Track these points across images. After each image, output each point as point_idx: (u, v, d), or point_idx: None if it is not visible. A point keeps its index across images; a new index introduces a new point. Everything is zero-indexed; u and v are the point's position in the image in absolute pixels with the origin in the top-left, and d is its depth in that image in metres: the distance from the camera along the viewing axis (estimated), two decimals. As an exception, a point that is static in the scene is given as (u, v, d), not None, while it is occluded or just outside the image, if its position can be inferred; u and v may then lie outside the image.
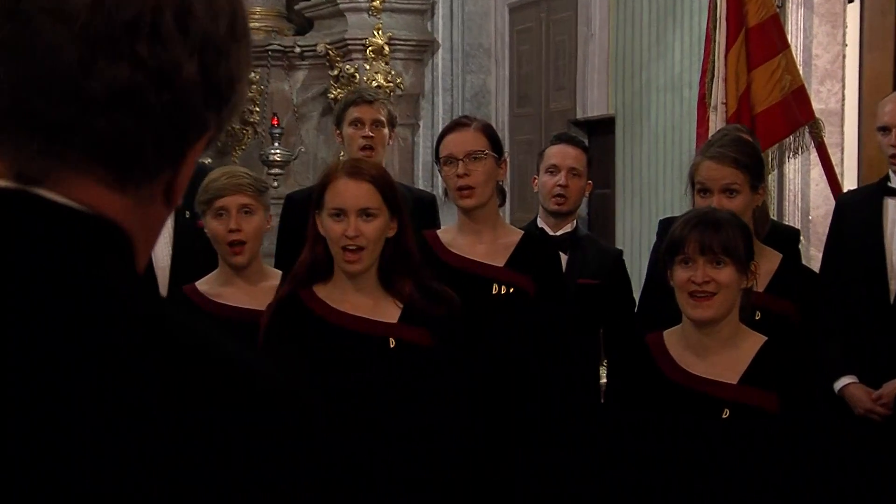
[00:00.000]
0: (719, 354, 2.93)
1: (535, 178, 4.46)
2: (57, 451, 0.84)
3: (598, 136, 7.83)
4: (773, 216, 5.81)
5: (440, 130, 3.75)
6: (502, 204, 3.71)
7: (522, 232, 3.67)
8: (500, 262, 3.54)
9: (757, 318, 3.34)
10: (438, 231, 3.68)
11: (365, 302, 3.05)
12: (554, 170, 4.34)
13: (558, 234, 4.32)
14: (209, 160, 8.61)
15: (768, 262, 3.53)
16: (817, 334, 3.70)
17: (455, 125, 3.63)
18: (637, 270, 6.60)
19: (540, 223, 4.37)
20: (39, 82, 0.92)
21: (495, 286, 3.51)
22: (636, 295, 4.19)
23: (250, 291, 3.51)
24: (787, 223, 5.66)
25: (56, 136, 0.93)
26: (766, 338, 2.97)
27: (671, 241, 2.95)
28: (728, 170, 3.48)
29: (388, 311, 3.05)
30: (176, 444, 0.86)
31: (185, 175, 1.00)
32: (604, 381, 4.53)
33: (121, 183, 0.96)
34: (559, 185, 4.30)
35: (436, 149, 3.63)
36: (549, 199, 4.32)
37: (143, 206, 0.98)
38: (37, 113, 0.93)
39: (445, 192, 3.68)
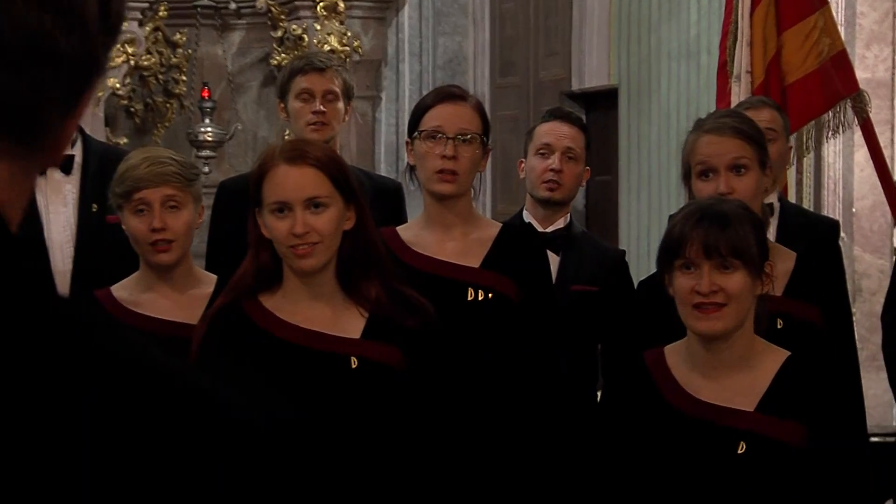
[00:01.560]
0: (732, 376, 2.93)
1: (521, 162, 4.45)
2: None
3: (598, 111, 7.85)
4: (810, 207, 5.85)
5: (408, 103, 3.74)
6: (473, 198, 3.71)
7: (501, 225, 3.67)
8: (474, 262, 3.54)
9: (780, 326, 3.36)
10: (398, 228, 3.67)
11: (322, 312, 3.05)
12: (546, 150, 4.34)
13: (549, 230, 4.33)
14: (125, 140, 8.59)
15: (783, 261, 3.55)
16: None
17: (447, 95, 3.62)
18: (645, 274, 6.62)
19: (527, 216, 4.37)
20: None
21: (470, 291, 3.52)
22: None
23: (178, 300, 3.51)
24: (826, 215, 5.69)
25: None
26: (788, 353, 2.97)
27: (669, 241, 2.93)
28: (734, 142, 3.49)
29: (350, 324, 3.05)
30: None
31: (73, 129, 1.02)
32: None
33: (16, 150, 0.97)
34: (551, 170, 4.30)
35: (414, 119, 3.62)
36: (538, 185, 4.32)
37: (24, 172, 0.99)
38: None
39: (411, 173, 3.66)
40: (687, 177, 3.57)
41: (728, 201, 3.04)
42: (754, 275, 2.90)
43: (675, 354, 2.99)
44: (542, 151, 4.34)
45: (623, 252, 4.63)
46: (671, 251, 2.91)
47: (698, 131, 3.53)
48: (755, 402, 2.90)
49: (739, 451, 2.86)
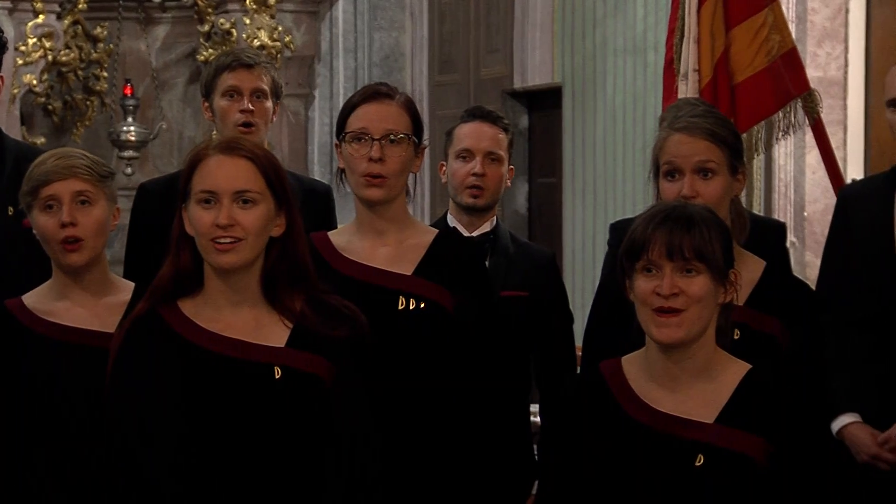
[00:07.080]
0: (692, 387, 2.96)
1: (442, 165, 4.47)
2: None
3: (541, 110, 7.88)
4: (760, 211, 5.89)
5: (342, 101, 3.74)
6: (408, 200, 3.72)
7: (437, 231, 3.68)
8: (407, 270, 3.55)
9: (736, 336, 3.38)
10: (330, 232, 3.68)
11: (244, 320, 3.05)
12: (467, 155, 4.37)
13: (475, 234, 4.36)
14: (42, 140, 8.54)
15: (750, 270, 3.58)
16: (816, 362, 3.75)
17: (374, 94, 3.61)
18: (590, 281, 6.65)
19: (451, 221, 4.39)
20: None
21: (402, 300, 3.53)
22: (575, 309, 4.21)
23: (93, 308, 3.49)
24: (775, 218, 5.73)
25: None
26: (749, 366, 3.00)
27: (631, 244, 2.95)
28: (703, 143, 3.52)
29: (274, 333, 3.05)
30: None
31: None
32: (535, 420, 4.57)
33: None
34: (474, 175, 4.33)
35: (341, 120, 3.62)
36: (461, 191, 4.35)
37: None
38: None
39: (342, 177, 3.66)
40: (656, 174, 3.60)
41: (694, 205, 3.06)
42: (717, 281, 2.93)
43: (632, 365, 3.01)
44: (462, 155, 4.38)
45: (553, 253, 4.64)
46: (633, 253, 2.93)
47: (671, 128, 3.56)
48: (715, 413, 2.93)
49: (697, 464, 2.89)
